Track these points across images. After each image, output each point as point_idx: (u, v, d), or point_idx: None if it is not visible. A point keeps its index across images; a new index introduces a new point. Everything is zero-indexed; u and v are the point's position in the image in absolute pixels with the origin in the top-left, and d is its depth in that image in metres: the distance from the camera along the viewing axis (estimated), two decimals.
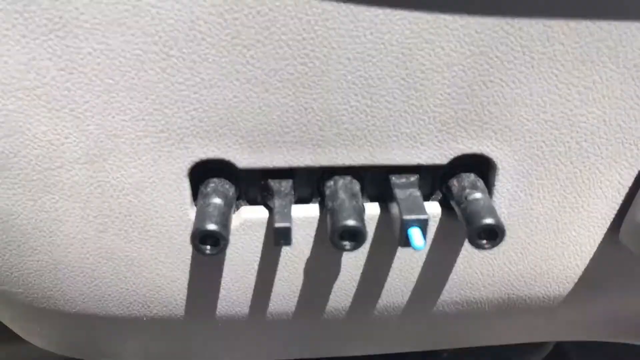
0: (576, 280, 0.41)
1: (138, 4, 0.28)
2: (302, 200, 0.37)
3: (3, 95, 0.30)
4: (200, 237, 0.31)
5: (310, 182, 0.36)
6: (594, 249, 0.39)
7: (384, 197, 0.37)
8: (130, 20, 0.29)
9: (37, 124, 0.31)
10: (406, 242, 0.32)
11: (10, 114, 0.31)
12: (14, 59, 0.29)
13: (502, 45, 0.31)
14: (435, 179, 0.37)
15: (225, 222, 0.31)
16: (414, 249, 0.31)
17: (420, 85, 0.32)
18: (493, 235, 0.32)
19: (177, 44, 0.30)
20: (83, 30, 0.29)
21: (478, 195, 0.34)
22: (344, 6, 0.29)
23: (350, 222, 0.31)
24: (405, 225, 0.31)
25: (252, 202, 0.37)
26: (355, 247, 0.32)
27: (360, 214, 0.32)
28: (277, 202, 0.34)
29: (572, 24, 0.30)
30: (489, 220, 0.31)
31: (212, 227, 0.30)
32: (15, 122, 0.31)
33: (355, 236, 0.32)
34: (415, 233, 0.31)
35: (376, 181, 0.36)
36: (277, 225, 0.31)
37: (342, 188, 0.34)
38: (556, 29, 0.31)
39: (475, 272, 0.40)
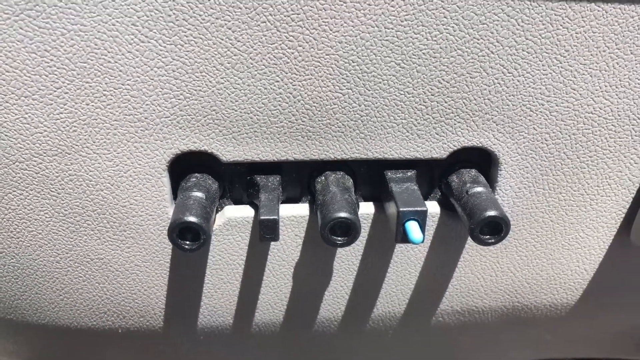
0: (585, 287, 0.38)
1: None
2: (291, 199, 0.35)
3: None
4: (178, 230, 0.28)
5: (300, 180, 0.34)
6: (604, 251, 0.36)
7: (380, 196, 0.35)
8: (107, 0, 0.27)
9: (4, 112, 0.29)
10: (404, 236, 0.29)
11: None
12: None
13: (503, 28, 0.29)
14: (433, 176, 0.35)
15: (206, 216, 0.29)
16: (413, 242, 0.29)
17: (416, 71, 0.30)
18: (497, 229, 0.30)
19: (157, 24, 0.28)
20: (56, 10, 0.27)
21: (480, 189, 0.31)
22: None
23: (343, 214, 0.28)
24: (402, 218, 0.29)
25: (238, 202, 0.35)
26: (348, 243, 0.29)
27: (353, 207, 0.30)
28: (263, 196, 0.31)
29: (576, 6, 0.29)
30: (492, 213, 0.29)
31: (191, 218, 0.28)
32: None
33: (348, 230, 0.29)
34: (413, 226, 0.29)
35: (370, 178, 0.34)
36: (263, 217, 0.29)
37: (334, 182, 0.32)
38: (560, 12, 0.29)
39: (477, 277, 0.37)
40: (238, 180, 0.34)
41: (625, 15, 0.29)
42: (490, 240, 0.30)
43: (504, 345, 0.44)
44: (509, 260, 0.36)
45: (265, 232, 0.29)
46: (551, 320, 0.40)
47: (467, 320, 0.40)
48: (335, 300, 0.37)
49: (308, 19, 0.28)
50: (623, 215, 0.35)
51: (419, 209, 0.29)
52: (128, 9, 0.27)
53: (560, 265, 0.37)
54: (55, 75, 0.28)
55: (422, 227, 0.29)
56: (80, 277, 0.34)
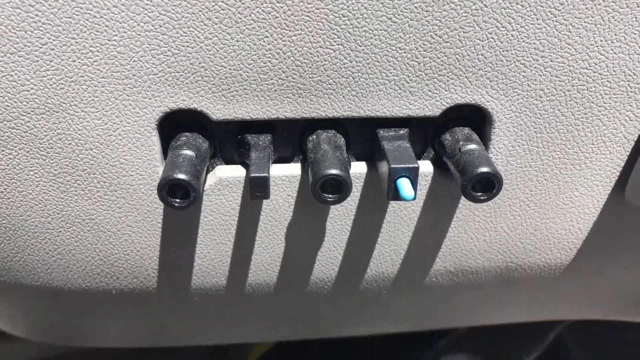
0: (579, 246, 0.38)
1: None
2: (283, 159, 0.34)
3: None
4: (168, 188, 0.28)
5: (291, 139, 0.34)
6: (599, 210, 0.36)
7: (372, 155, 0.34)
8: None
9: None
10: (395, 194, 0.29)
11: None
12: None
13: None
14: (426, 135, 0.34)
15: (196, 174, 0.29)
16: (404, 199, 0.29)
17: (408, 25, 0.29)
18: (490, 185, 0.30)
19: None
20: None
21: (473, 146, 0.31)
22: None
23: (333, 171, 0.28)
24: (393, 174, 0.29)
25: (229, 162, 0.34)
26: (339, 200, 0.29)
27: (344, 164, 0.29)
28: (254, 155, 0.31)
29: None
30: (484, 169, 0.29)
31: (181, 176, 0.28)
32: None
33: (339, 188, 0.29)
34: (404, 183, 0.28)
35: (363, 137, 0.34)
36: (254, 174, 0.29)
37: (325, 140, 0.31)
38: None
39: (470, 237, 0.37)
40: (229, 140, 0.33)
41: None
42: (482, 197, 0.30)
43: (498, 306, 0.45)
44: (502, 220, 0.36)
45: (255, 189, 0.29)
46: (545, 281, 0.40)
47: (461, 281, 0.40)
48: (328, 260, 0.37)
49: None
50: (618, 174, 0.35)
51: (410, 165, 0.29)
52: None
53: (554, 224, 0.37)
54: (41, 31, 0.28)
55: (414, 184, 0.29)
56: (72, 237, 0.34)
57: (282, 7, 0.28)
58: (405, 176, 0.29)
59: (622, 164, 0.34)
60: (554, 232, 0.37)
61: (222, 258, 0.36)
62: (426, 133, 0.34)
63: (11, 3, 0.27)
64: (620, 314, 0.48)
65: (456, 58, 0.30)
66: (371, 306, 0.42)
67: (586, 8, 0.29)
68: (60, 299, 0.38)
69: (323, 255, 0.37)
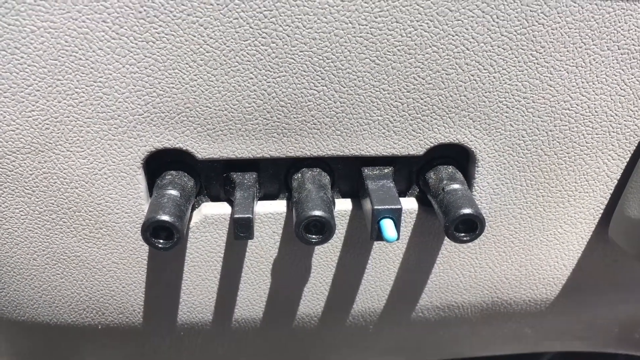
0: (564, 282, 0.38)
1: None
2: (268, 196, 0.35)
3: None
4: (152, 229, 0.28)
5: (277, 176, 0.34)
6: (583, 247, 0.36)
7: (357, 193, 0.35)
8: None
9: None
10: (378, 234, 0.29)
11: None
12: None
13: (478, 25, 0.29)
14: (411, 172, 0.34)
15: (180, 214, 0.29)
16: (387, 241, 0.29)
17: (391, 68, 0.30)
18: (472, 227, 0.30)
19: (128, 21, 0.27)
20: (26, 7, 0.27)
21: (456, 186, 0.31)
22: None
23: (316, 213, 0.28)
24: (376, 216, 0.29)
25: (215, 199, 0.34)
26: (322, 241, 0.29)
27: (328, 205, 0.30)
28: (238, 194, 0.31)
29: (552, 2, 0.29)
30: (467, 210, 0.29)
31: (164, 217, 0.28)
32: None
33: (323, 229, 0.29)
34: (387, 224, 0.29)
35: (348, 175, 0.34)
36: (237, 216, 0.29)
37: (310, 179, 0.32)
38: (535, 8, 0.29)
39: (456, 273, 0.37)
40: (215, 177, 0.33)
41: (602, 11, 0.29)
42: (465, 238, 0.30)
43: (484, 339, 0.44)
44: (487, 256, 0.36)
45: (239, 230, 0.29)
46: (531, 315, 0.40)
47: (447, 316, 0.40)
48: (314, 296, 0.37)
49: (281, 15, 0.28)
50: (602, 211, 0.35)
51: (393, 207, 0.29)
52: (98, 5, 0.27)
53: (539, 260, 0.37)
54: (26, 72, 0.28)
55: (397, 225, 0.29)
56: (58, 274, 0.34)
57: (266, 50, 0.29)
58: (389, 217, 0.29)
59: (606, 202, 0.35)
60: (539, 268, 0.37)
61: (208, 294, 0.36)
62: (411, 171, 0.34)
63: None
64: (606, 347, 0.48)
65: (439, 99, 0.31)
66: (358, 339, 0.42)
67: (567, 51, 0.30)
68: (46, 334, 0.38)
69: (309, 291, 0.37)
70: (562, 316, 0.42)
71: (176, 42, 0.28)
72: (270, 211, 0.33)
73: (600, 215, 0.35)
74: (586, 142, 0.33)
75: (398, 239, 0.29)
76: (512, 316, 0.40)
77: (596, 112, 0.32)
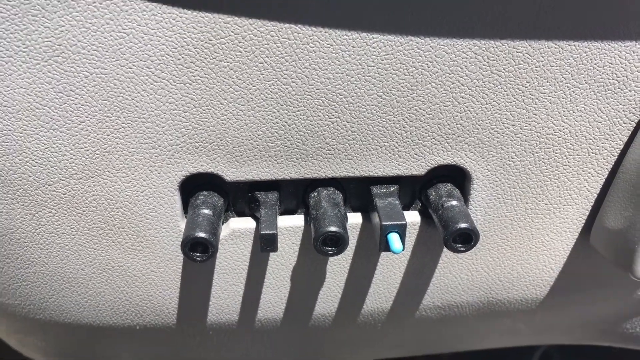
0: (552, 283, 0.43)
1: (132, 32, 0.30)
2: (288, 211, 0.39)
3: (4, 116, 0.32)
4: (190, 245, 0.32)
5: (296, 194, 0.38)
6: (567, 252, 0.41)
7: (367, 207, 0.39)
8: (124, 47, 0.31)
9: (36, 143, 0.33)
10: (386, 246, 0.34)
11: (10, 133, 0.33)
12: (15, 82, 0.31)
13: (471, 64, 0.33)
14: (414, 190, 0.39)
15: (214, 231, 0.33)
16: (393, 252, 0.33)
17: (396, 102, 0.34)
18: (468, 239, 0.34)
19: (168, 67, 0.32)
20: (80, 57, 0.31)
21: (454, 202, 0.36)
22: (323, 31, 0.31)
23: (332, 228, 0.33)
24: (384, 230, 0.33)
25: (241, 214, 0.39)
26: (337, 252, 0.34)
27: (342, 221, 0.34)
28: (263, 212, 0.35)
29: (535, 44, 0.33)
30: (463, 225, 0.33)
31: (201, 234, 0.32)
32: (15, 141, 0.33)
33: (338, 242, 0.33)
34: (394, 238, 0.33)
35: (358, 192, 0.38)
36: (264, 232, 0.33)
37: (325, 198, 0.36)
38: (520, 49, 0.33)
39: (455, 276, 0.42)
40: (241, 196, 0.38)
41: (579, 51, 0.33)
42: (461, 249, 0.35)
43: (481, 334, 0.49)
44: (482, 262, 0.41)
45: (265, 244, 0.34)
46: (523, 313, 0.45)
47: (447, 314, 0.44)
48: (328, 298, 0.42)
49: (300, 60, 0.32)
50: (584, 222, 0.40)
51: (399, 222, 0.34)
52: (143, 54, 0.31)
53: (529, 265, 0.41)
54: (80, 111, 0.33)
55: (402, 238, 0.34)
56: (102, 282, 0.39)
57: (287, 88, 0.33)
58: (395, 231, 0.34)
59: (587, 214, 0.39)
60: (529, 271, 0.42)
61: (234, 297, 0.41)
62: (414, 188, 0.39)
63: (55, 88, 0.32)
64: (594, 340, 0.53)
65: (438, 127, 0.35)
66: (368, 336, 0.46)
67: (549, 85, 0.34)
68: (89, 334, 0.43)
69: (324, 294, 0.41)
70: (551, 313, 0.46)
71: (209, 83, 0.32)
72: (290, 225, 0.38)
73: (582, 226, 0.40)
74: (568, 162, 0.37)
75: (403, 250, 0.34)
76: (506, 313, 0.45)
77: (576, 136, 0.36)
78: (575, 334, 0.51)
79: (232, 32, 0.31)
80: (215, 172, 0.35)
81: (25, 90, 0.32)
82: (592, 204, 0.39)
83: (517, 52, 0.33)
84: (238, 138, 0.34)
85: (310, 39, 0.32)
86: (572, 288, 0.43)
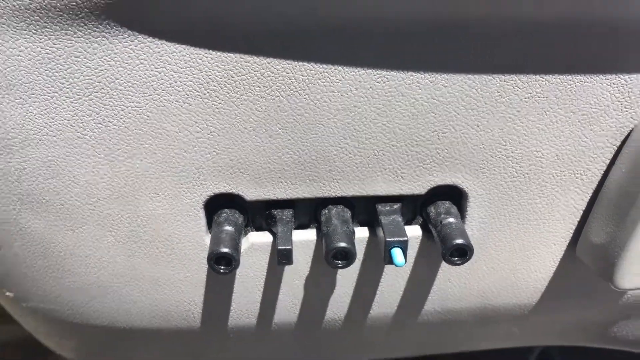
0: (542, 291, 0.46)
1: (164, 70, 0.34)
2: (301, 226, 0.43)
3: (50, 145, 0.36)
4: (215, 259, 0.36)
5: (308, 211, 0.42)
6: (556, 264, 0.45)
7: (372, 222, 0.43)
8: (157, 83, 0.35)
9: (78, 168, 0.37)
10: (390, 260, 0.37)
11: (55, 159, 0.37)
12: (60, 115, 0.35)
13: (466, 96, 0.37)
14: (416, 207, 0.43)
15: (236, 246, 0.37)
16: (397, 266, 0.37)
17: (399, 129, 0.38)
18: (463, 253, 0.38)
19: (195, 100, 0.36)
20: (118, 92, 0.35)
21: (451, 219, 0.39)
22: (332, 68, 0.35)
23: (342, 244, 0.37)
24: (388, 246, 0.37)
25: (259, 228, 0.43)
26: (346, 265, 0.38)
27: (350, 237, 0.38)
28: (280, 228, 0.39)
29: (524, 78, 0.36)
30: (459, 241, 0.37)
31: (225, 250, 0.36)
32: (59, 166, 0.37)
33: (347, 256, 0.37)
34: (397, 252, 0.37)
35: (365, 209, 0.42)
36: (280, 247, 0.37)
37: (335, 215, 0.40)
38: (510, 83, 0.36)
39: (453, 285, 0.45)
40: (259, 213, 0.42)
41: (564, 83, 0.37)
42: (458, 262, 0.38)
43: (478, 337, 0.53)
44: (478, 272, 0.45)
45: (281, 258, 0.38)
46: (516, 317, 0.49)
47: (446, 318, 0.48)
48: (338, 305, 0.46)
49: (312, 93, 0.36)
50: (571, 236, 0.43)
51: (401, 239, 0.38)
52: (172, 89, 0.35)
53: (521, 274, 0.45)
54: (116, 139, 0.37)
55: (405, 253, 0.38)
56: (135, 289, 0.43)
57: (300, 118, 0.37)
58: (398, 246, 0.38)
59: (574, 228, 0.43)
60: (521, 279, 0.46)
61: (253, 304, 0.45)
62: (415, 205, 0.42)
63: (95, 120, 0.36)
64: (587, 342, 0.56)
65: (437, 151, 0.39)
66: (373, 338, 0.50)
67: (537, 113, 0.38)
68: (120, 335, 0.47)
69: (334, 300, 0.45)
70: (542, 317, 0.50)
71: (231, 114, 0.36)
72: (304, 239, 0.42)
73: (569, 239, 0.43)
74: (556, 182, 0.41)
75: (405, 263, 0.38)
76: (501, 318, 0.49)
77: (563, 159, 0.40)
78: (568, 336, 0.55)
79: (251, 69, 0.35)
80: (236, 192, 0.39)
81: (69, 121, 0.36)
82: (578, 219, 0.42)
83: (507, 85, 0.36)
84: (257, 162, 0.38)
85: (321, 75, 0.35)
86: (561, 295, 0.47)
